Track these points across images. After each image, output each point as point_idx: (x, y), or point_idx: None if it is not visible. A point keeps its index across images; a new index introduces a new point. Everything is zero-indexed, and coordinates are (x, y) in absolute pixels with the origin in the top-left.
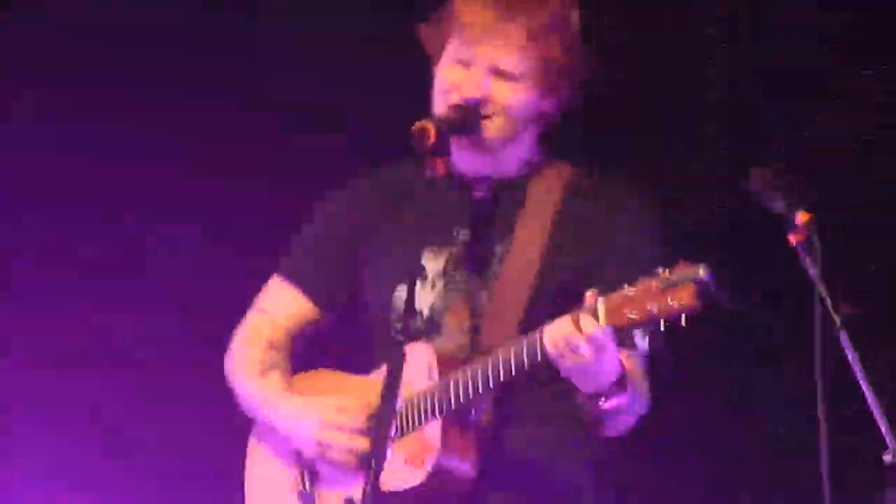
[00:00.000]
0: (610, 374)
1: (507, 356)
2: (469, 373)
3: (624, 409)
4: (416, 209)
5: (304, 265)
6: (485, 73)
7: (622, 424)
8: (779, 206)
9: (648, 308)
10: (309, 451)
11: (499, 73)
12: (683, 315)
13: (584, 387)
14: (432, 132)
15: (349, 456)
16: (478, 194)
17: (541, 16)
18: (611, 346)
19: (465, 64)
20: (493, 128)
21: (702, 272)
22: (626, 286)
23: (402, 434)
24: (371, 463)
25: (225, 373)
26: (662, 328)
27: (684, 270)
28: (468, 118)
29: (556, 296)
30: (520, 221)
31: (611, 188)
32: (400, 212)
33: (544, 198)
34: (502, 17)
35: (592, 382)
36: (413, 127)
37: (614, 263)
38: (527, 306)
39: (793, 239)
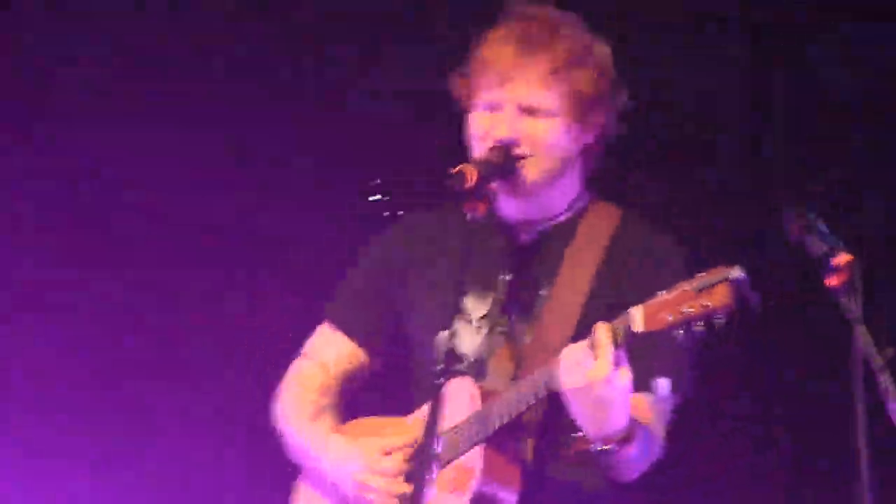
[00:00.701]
0: (617, 422)
1: (532, 379)
2: (505, 397)
3: (633, 459)
4: (461, 254)
5: (350, 311)
6: (515, 113)
7: (633, 471)
8: (816, 249)
9: (685, 309)
10: (353, 493)
11: (528, 111)
12: (719, 314)
13: (590, 431)
14: (473, 174)
15: (390, 500)
16: (524, 238)
17: (562, 49)
18: (619, 384)
19: (495, 107)
20: (529, 168)
21: (736, 271)
22: (662, 292)
23: (447, 463)
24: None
25: (273, 418)
26: (700, 329)
27: (719, 272)
28: (506, 160)
29: None
30: (565, 265)
31: (655, 238)
32: (443, 256)
33: (590, 243)
34: (524, 54)
35: (599, 427)
36: (453, 170)
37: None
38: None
39: (832, 282)
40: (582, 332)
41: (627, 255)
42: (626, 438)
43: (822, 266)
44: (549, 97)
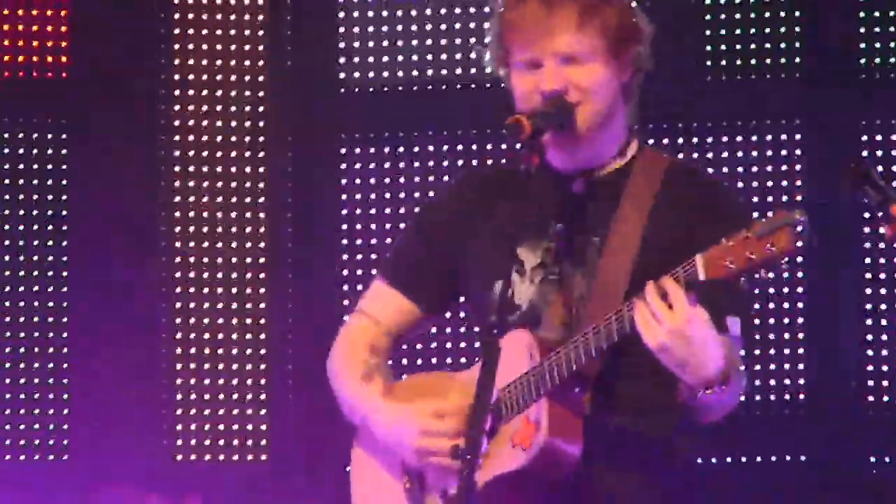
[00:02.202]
0: (714, 363)
1: (599, 329)
2: (565, 349)
3: (728, 398)
4: (513, 206)
5: (405, 268)
6: (556, 65)
7: (720, 412)
8: (874, 198)
9: (747, 255)
10: (410, 459)
11: (569, 60)
12: (782, 259)
13: (689, 379)
14: (527, 125)
15: (450, 460)
16: (576, 188)
17: None
18: (702, 320)
19: (535, 64)
20: (583, 114)
21: (798, 215)
22: (723, 240)
23: (508, 418)
24: (466, 457)
25: (328, 375)
26: (763, 274)
27: (780, 217)
28: (561, 109)
29: None
30: (617, 213)
31: (702, 181)
32: (496, 209)
33: (641, 190)
34: (550, 6)
35: (697, 374)
36: (507, 121)
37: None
38: (623, 297)
39: (889, 231)
40: (637, 278)
41: (679, 201)
42: (725, 379)
43: (881, 216)
44: (584, 41)
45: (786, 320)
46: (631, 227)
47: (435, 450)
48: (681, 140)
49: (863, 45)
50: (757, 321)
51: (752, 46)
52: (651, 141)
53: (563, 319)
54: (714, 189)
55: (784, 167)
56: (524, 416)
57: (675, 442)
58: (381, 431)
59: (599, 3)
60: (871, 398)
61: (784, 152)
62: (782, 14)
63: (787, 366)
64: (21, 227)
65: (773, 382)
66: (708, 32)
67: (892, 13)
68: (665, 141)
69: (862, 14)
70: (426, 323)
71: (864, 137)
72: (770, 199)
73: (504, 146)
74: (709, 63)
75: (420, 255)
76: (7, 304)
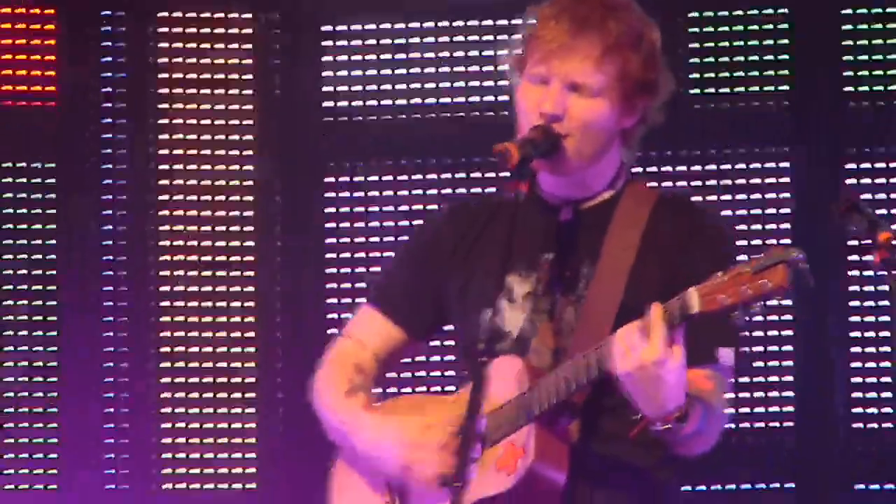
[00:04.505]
0: (673, 401)
1: (579, 363)
2: (555, 377)
3: (695, 434)
4: (503, 233)
5: (392, 293)
6: (562, 89)
7: (700, 444)
8: (861, 227)
9: (742, 290)
10: (394, 472)
11: (576, 88)
12: (776, 295)
13: (647, 411)
14: (515, 153)
15: (434, 474)
16: (564, 217)
17: (616, 30)
18: (673, 365)
19: (543, 81)
20: (571, 147)
21: (794, 252)
22: (718, 273)
23: (494, 443)
24: (454, 484)
25: (311, 394)
26: (756, 309)
27: (776, 253)
28: (547, 138)
29: (641, 315)
30: (606, 243)
31: (690, 211)
32: (486, 237)
33: (630, 220)
34: (577, 32)
35: (656, 407)
36: (496, 148)
37: (695, 280)
38: (612, 326)
39: (876, 258)
40: (626, 309)
41: (668, 231)
42: (683, 416)
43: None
44: (596, 76)
45: (772, 347)
46: (620, 257)
47: (417, 463)
48: (667, 168)
49: (849, 73)
50: (745, 349)
51: (739, 74)
52: (638, 169)
53: (552, 348)
54: (703, 219)
55: (771, 195)
56: (510, 442)
57: (662, 472)
58: (364, 446)
59: (626, 46)
60: (857, 426)
61: (771, 180)
62: (769, 42)
63: (774, 393)
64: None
65: (760, 410)
66: (694, 60)
67: (877, 41)
68: (652, 169)
69: (848, 42)
70: (411, 348)
71: (852, 165)
72: (757, 226)
73: (488, 175)
74: (695, 91)
75: (408, 281)
76: None
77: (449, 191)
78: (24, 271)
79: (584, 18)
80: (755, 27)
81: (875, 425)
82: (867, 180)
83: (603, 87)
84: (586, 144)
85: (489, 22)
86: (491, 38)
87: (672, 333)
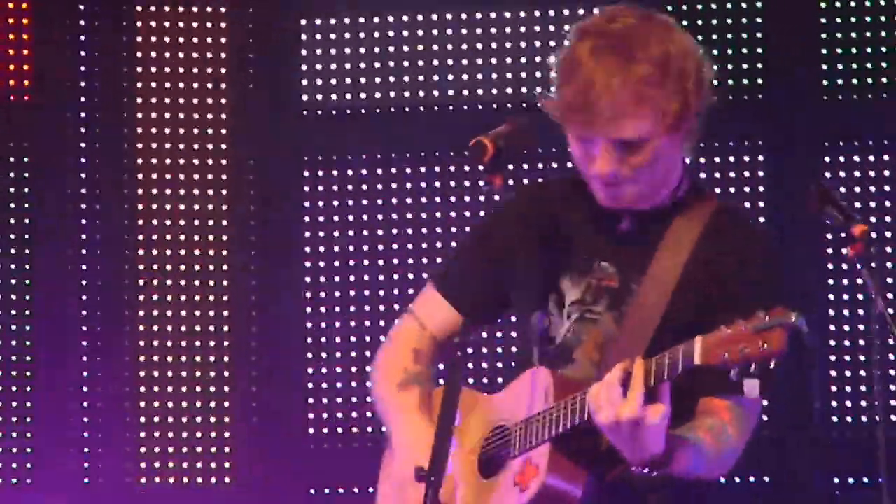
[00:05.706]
0: (652, 449)
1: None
2: (569, 401)
3: (684, 474)
4: (564, 235)
5: (455, 278)
6: (608, 148)
7: (702, 475)
8: (836, 219)
9: (740, 349)
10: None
11: (621, 144)
12: (773, 359)
13: (626, 456)
14: (490, 147)
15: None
16: (623, 227)
17: (640, 72)
18: (649, 423)
19: (585, 140)
20: (636, 191)
21: (794, 317)
22: (723, 327)
23: (516, 454)
24: (430, 479)
25: (372, 371)
26: (753, 369)
27: (778, 315)
28: (524, 133)
29: (680, 334)
30: (657, 257)
31: (744, 232)
32: (549, 235)
33: (683, 235)
34: (603, 89)
35: (634, 454)
36: (471, 142)
37: (727, 309)
38: (650, 343)
39: (851, 251)
40: (666, 323)
41: (716, 251)
42: (663, 462)
43: (843, 236)
44: (636, 126)
45: None
46: (667, 271)
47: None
48: None
49: (824, 67)
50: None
51: (714, 68)
52: None
53: (594, 360)
54: (756, 246)
55: (746, 188)
56: (528, 457)
57: (680, 490)
58: (401, 441)
59: (656, 84)
60: (835, 419)
61: (746, 173)
62: (744, 35)
63: None
64: None
65: None
66: None
67: (853, 34)
68: None
69: (824, 35)
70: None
71: (826, 159)
72: None
73: (468, 168)
74: None
75: (472, 267)
76: None
77: (424, 185)
78: None
79: (607, 71)
80: (729, 20)
81: (851, 418)
82: (843, 174)
83: (646, 131)
84: (648, 184)
85: (464, 16)
86: (471, 30)
87: (657, 388)
